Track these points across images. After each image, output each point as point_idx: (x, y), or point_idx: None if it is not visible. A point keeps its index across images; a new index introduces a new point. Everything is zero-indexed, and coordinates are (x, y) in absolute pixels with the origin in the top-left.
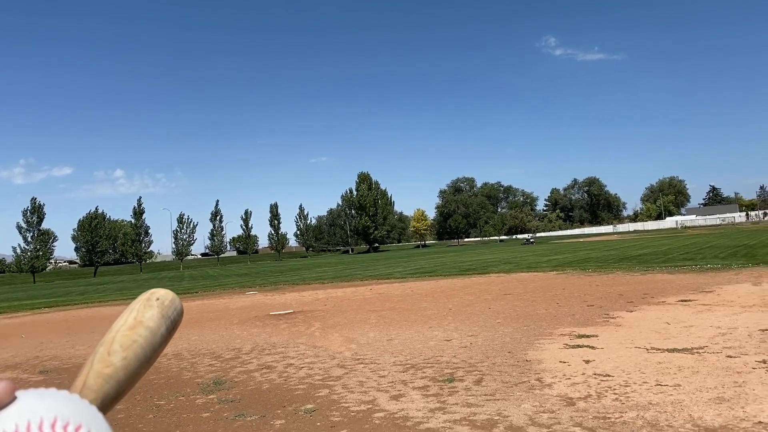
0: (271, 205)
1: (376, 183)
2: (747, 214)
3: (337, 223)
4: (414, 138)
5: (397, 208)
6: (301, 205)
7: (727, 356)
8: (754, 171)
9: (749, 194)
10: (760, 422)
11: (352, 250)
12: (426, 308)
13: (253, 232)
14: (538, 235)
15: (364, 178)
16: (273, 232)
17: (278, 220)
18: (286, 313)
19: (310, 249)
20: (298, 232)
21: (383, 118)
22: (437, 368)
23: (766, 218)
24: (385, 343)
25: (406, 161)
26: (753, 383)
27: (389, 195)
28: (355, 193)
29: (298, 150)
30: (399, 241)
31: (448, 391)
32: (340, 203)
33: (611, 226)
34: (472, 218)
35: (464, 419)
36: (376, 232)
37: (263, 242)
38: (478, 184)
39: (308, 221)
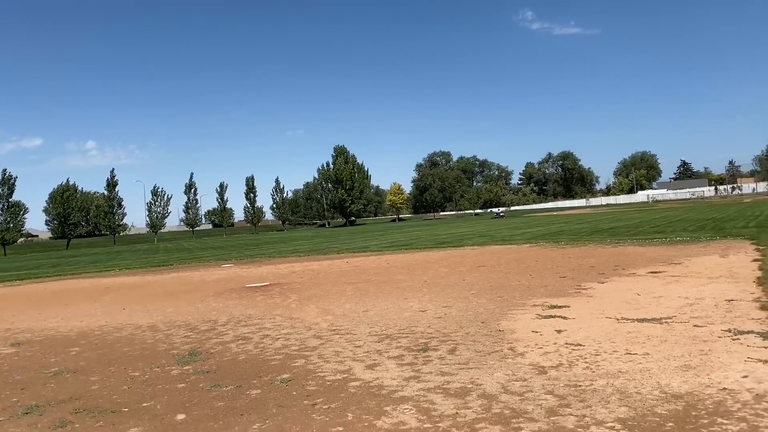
0: (246, 178)
1: (353, 156)
2: (716, 189)
3: (313, 196)
4: (391, 112)
5: (374, 181)
6: (277, 179)
7: (694, 326)
8: (723, 146)
9: (719, 169)
10: (724, 388)
11: (329, 224)
12: (401, 280)
13: (228, 206)
14: (512, 208)
15: (340, 152)
16: (249, 205)
17: (254, 193)
18: (262, 286)
19: (287, 222)
20: (275, 205)
21: (360, 92)
22: (412, 338)
23: (734, 192)
24: (360, 315)
25: (382, 135)
26: (718, 351)
27: (366, 169)
28: (331, 166)
29: (274, 123)
30: (375, 215)
31: (422, 361)
32: (317, 177)
33: (584, 200)
34: (448, 192)
35: (438, 387)
36: (352, 205)
37: (239, 215)
38: (454, 158)
39: (284, 195)
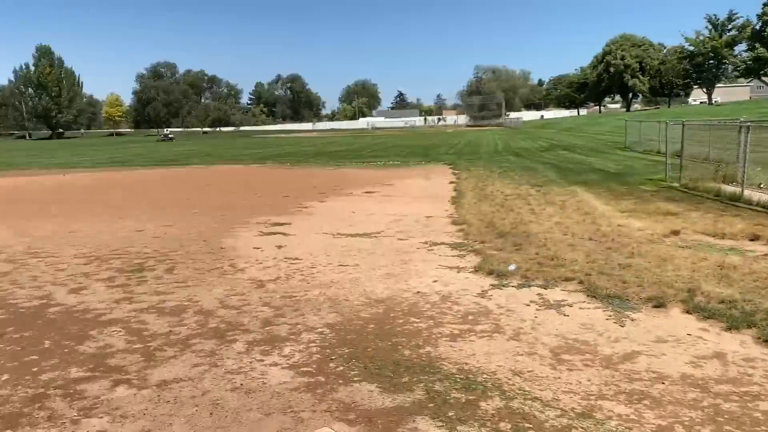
0: None
1: (61, 59)
2: (425, 119)
3: (9, 103)
4: (109, 15)
5: (88, 90)
6: None
7: (398, 239)
8: (434, 81)
9: (429, 101)
10: (418, 292)
11: (30, 136)
12: (117, 199)
13: None
14: (242, 128)
15: (45, 53)
16: None
17: None
18: None
19: None
20: None
21: None
22: (126, 259)
23: (439, 123)
24: (66, 236)
25: (99, 39)
26: (416, 261)
27: (77, 75)
28: (33, 69)
29: None
30: (89, 128)
31: (136, 281)
32: (13, 80)
33: (311, 124)
34: (174, 107)
35: (152, 307)
36: (60, 115)
37: None
38: (181, 71)
39: None
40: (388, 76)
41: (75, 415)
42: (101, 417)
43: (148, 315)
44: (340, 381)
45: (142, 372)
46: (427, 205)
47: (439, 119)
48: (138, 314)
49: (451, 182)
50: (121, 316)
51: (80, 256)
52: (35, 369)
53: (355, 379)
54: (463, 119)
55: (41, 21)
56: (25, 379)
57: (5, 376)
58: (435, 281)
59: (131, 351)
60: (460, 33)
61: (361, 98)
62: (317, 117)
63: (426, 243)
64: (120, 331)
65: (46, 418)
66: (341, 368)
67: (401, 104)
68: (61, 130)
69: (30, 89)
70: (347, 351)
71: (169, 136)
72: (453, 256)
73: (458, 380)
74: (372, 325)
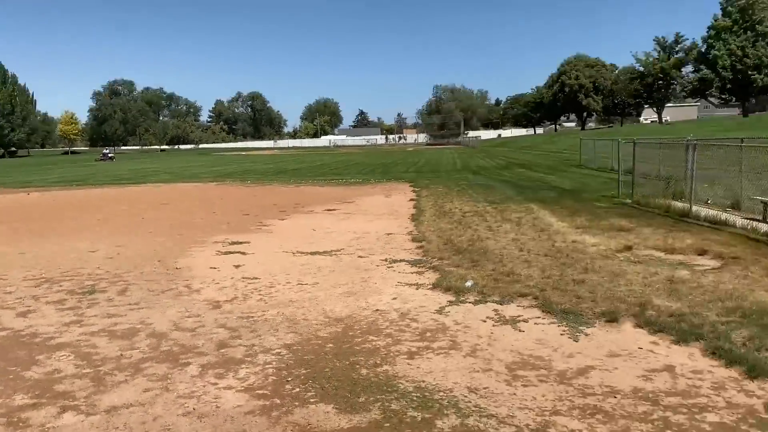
0: None
1: (14, 76)
2: (386, 137)
3: None
4: (65, 29)
5: (42, 108)
6: None
7: (359, 256)
8: (394, 100)
9: (390, 120)
10: (377, 310)
11: None
12: (70, 219)
13: None
14: (201, 146)
15: None
16: None
17: None
18: None
19: None
20: None
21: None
22: (77, 281)
23: (400, 141)
24: (15, 258)
25: (55, 56)
26: (376, 278)
27: (30, 92)
28: None
29: None
30: (43, 146)
31: (87, 304)
32: None
33: (272, 142)
34: (131, 125)
35: (103, 330)
36: (12, 134)
37: None
38: (139, 89)
39: None
40: (349, 94)
41: None
42: None
43: (98, 338)
44: (296, 403)
45: (91, 398)
46: (388, 223)
47: (399, 138)
48: (89, 338)
49: (411, 200)
50: (71, 339)
51: (30, 278)
52: None
53: (311, 400)
54: (423, 138)
55: None
56: None
57: None
58: (394, 298)
59: (80, 376)
60: (420, 53)
61: (322, 116)
62: (279, 135)
63: (386, 260)
64: (69, 356)
65: None
66: (297, 390)
67: (363, 122)
68: (13, 149)
69: None
70: (304, 372)
71: (109, 155)
72: (412, 272)
73: (415, 398)
74: (330, 345)
